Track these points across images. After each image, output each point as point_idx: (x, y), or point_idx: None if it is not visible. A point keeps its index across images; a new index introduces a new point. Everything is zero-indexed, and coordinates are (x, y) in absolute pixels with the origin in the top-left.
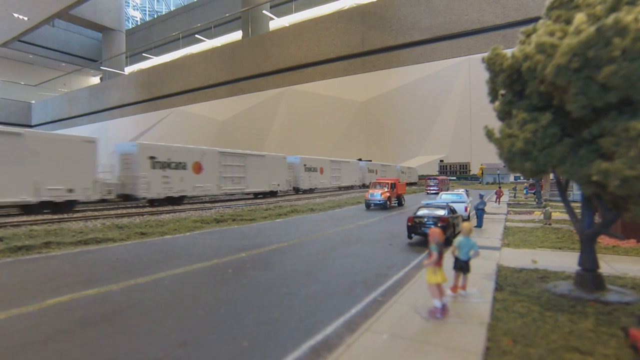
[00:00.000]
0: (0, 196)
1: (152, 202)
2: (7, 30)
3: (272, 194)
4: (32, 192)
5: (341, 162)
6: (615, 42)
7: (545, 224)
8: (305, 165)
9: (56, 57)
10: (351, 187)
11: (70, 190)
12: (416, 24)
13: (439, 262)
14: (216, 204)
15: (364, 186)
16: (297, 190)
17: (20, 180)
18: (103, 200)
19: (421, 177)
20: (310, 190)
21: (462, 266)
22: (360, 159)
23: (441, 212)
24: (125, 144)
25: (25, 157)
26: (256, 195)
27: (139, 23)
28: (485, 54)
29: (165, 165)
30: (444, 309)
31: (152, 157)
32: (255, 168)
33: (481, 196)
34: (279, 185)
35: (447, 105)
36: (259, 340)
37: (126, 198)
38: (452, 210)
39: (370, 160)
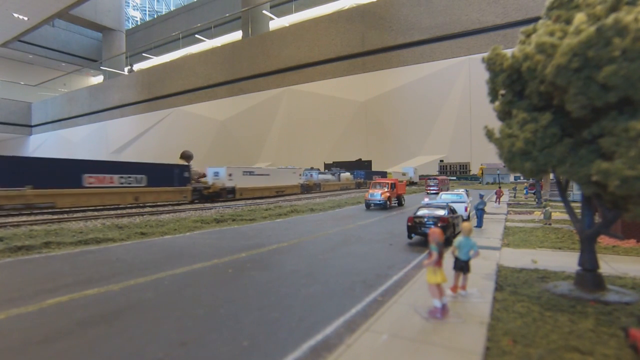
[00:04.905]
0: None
1: None
2: (7, 30)
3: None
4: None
5: None
6: (615, 42)
7: (545, 224)
8: None
9: (56, 57)
10: None
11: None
12: (416, 24)
13: (439, 262)
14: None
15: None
16: None
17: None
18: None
19: (421, 177)
20: None
21: (462, 266)
22: (360, 159)
23: (441, 212)
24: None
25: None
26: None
27: (139, 23)
28: (485, 54)
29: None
30: (444, 309)
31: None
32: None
33: (481, 196)
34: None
35: (447, 105)
36: (259, 340)
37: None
38: (452, 210)
39: (370, 161)
